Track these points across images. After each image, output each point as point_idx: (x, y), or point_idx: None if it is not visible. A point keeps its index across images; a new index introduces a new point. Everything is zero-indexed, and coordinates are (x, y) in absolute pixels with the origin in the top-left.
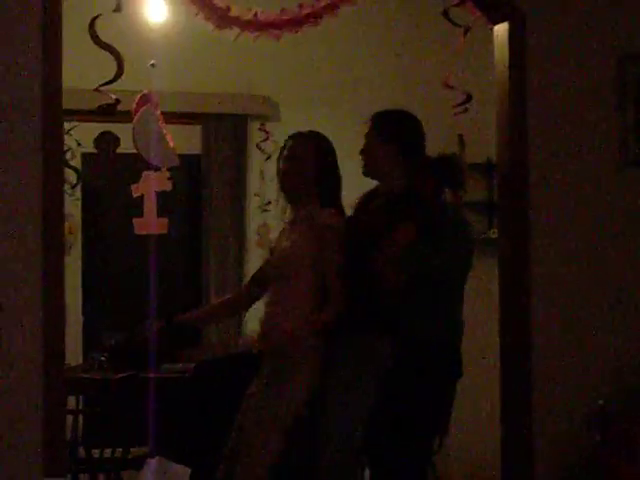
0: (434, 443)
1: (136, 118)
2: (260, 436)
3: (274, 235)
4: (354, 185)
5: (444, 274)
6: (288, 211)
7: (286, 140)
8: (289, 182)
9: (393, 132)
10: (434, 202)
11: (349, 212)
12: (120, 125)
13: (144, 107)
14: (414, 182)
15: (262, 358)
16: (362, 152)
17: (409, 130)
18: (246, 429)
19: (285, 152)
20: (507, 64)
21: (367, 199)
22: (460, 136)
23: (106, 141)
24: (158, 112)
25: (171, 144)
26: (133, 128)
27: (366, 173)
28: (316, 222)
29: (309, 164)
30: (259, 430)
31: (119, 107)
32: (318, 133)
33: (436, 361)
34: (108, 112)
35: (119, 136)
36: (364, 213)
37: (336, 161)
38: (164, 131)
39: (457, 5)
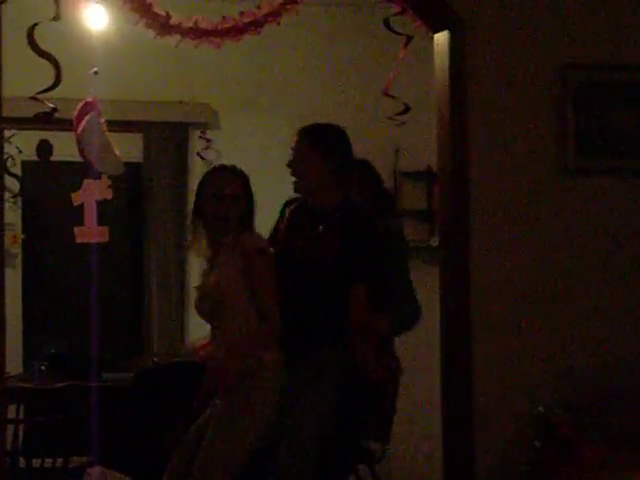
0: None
1: (81, 126)
2: (222, 449)
3: None
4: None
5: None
6: (203, 243)
7: (210, 172)
8: (220, 221)
9: (331, 147)
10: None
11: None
12: (61, 133)
13: (90, 114)
14: (352, 199)
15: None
16: (291, 166)
17: (344, 145)
18: (207, 439)
19: (216, 189)
20: (447, 72)
21: (298, 215)
22: (397, 147)
23: (43, 149)
24: (102, 119)
25: (116, 152)
26: (79, 136)
27: (299, 189)
28: (242, 247)
29: (244, 203)
30: (220, 443)
31: (60, 115)
32: (240, 168)
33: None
34: (45, 120)
35: (53, 144)
36: (303, 233)
37: (252, 190)
38: (109, 139)
39: (398, 14)
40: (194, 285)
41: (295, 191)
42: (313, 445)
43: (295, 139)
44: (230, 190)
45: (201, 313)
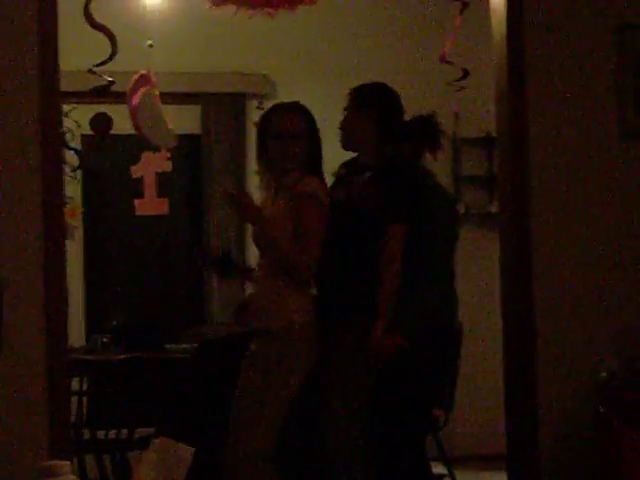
0: (431, 418)
1: (136, 99)
2: (251, 417)
3: None
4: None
5: (434, 246)
6: (265, 180)
7: (269, 113)
8: (284, 160)
9: (369, 101)
10: (415, 168)
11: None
12: (117, 106)
13: (145, 88)
14: (393, 149)
15: (254, 333)
16: (341, 127)
17: (385, 99)
18: (239, 409)
19: (276, 128)
20: (505, 36)
21: (348, 170)
22: (456, 114)
23: (100, 122)
24: (157, 92)
25: (170, 125)
26: (133, 108)
27: (345, 146)
28: (298, 190)
29: (304, 141)
30: (250, 412)
31: (116, 88)
32: (303, 105)
33: (429, 336)
34: (102, 93)
35: (112, 117)
36: (349, 188)
37: (318, 130)
38: (163, 111)
39: None
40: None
41: (343, 148)
42: (356, 425)
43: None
44: (291, 128)
45: (256, 245)
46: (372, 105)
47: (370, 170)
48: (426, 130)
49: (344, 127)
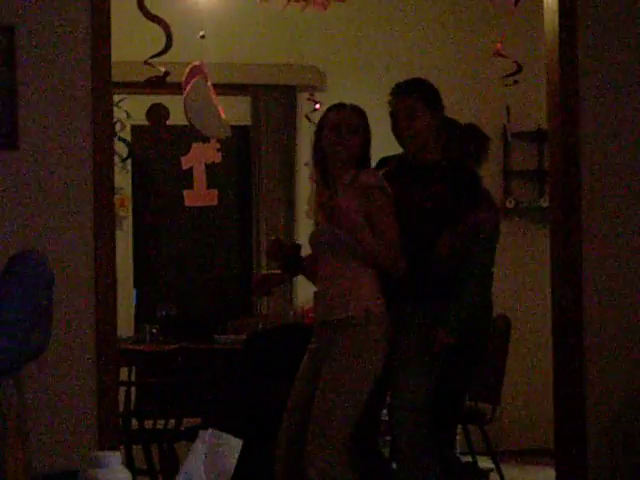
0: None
1: (188, 89)
2: (334, 409)
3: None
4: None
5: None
6: (317, 174)
7: (329, 109)
8: (337, 150)
9: (438, 102)
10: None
11: None
12: (169, 97)
13: (196, 78)
14: (451, 152)
15: (325, 328)
16: (402, 127)
17: (441, 100)
18: (316, 402)
19: (335, 120)
20: (557, 30)
21: (401, 166)
22: (507, 108)
23: (157, 113)
24: (209, 83)
25: (223, 115)
26: (185, 99)
27: (408, 147)
28: (362, 184)
29: (359, 137)
30: (332, 403)
31: (168, 79)
32: (361, 107)
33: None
34: (157, 84)
35: (169, 108)
36: (417, 187)
37: (370, 132)
38: (216, 102)
39: None
40: (314, 220)
41: (405, 148)
42: (424, 415)
43: (399, 97)
44: (349, 121)
45: (317, 247)
46: (440, 108)
47: (436, 168)
48: (476, 140)
49: (408, 128)
